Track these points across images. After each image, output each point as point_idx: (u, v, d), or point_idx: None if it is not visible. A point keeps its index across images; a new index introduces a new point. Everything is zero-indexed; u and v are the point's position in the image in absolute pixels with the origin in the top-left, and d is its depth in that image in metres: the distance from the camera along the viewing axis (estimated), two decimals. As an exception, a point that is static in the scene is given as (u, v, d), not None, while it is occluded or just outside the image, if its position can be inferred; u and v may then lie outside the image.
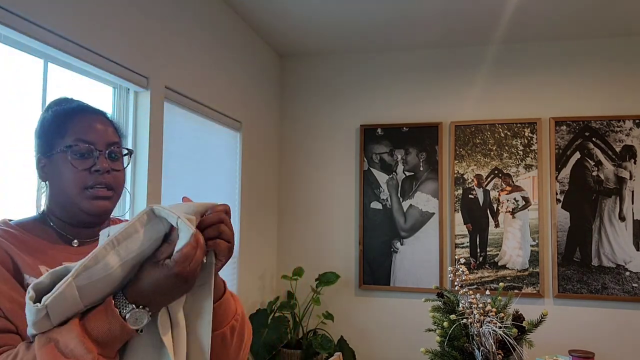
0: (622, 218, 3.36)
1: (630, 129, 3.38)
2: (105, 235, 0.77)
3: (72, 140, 0.96)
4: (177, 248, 0.77)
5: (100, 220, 1.01)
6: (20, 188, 1.71)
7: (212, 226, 0.82)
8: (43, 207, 1.02)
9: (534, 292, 3.42)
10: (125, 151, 1.05)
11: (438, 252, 3.57)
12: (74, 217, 0.98)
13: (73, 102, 1.04)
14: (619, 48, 3.46)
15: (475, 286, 3.49)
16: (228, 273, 3.11)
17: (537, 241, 3.45)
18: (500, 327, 1.83)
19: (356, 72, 3.85)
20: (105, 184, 0.97)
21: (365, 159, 3.74)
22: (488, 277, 3.49)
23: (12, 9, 1.61)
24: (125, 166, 1.04)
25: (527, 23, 3.25)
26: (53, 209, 0.99)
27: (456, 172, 3.59)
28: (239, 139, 3.27)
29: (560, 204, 3.44)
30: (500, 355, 1.82)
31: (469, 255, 3.53)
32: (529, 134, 3.51)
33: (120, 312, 0.75)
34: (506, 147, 3.54)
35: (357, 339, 3.68)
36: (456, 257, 3.53)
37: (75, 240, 1.00)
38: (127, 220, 1.02)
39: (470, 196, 3.57)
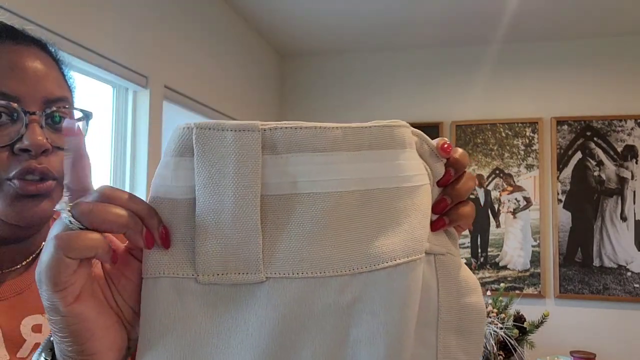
0: (623, 218, 3.35)
1: (632, 129, 3.37)
2: None
3: None
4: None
5: (34, 232, 0.58)
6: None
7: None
8: None
9: (535, 292, 3.40)
10: (80, 114, 0.62)
11: (439, 253, 3.56)
12: None
13: None
14: (620, 48, 3.45)
15: (476, 287, 3.48)
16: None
17: (538, 241, 3.43)
18: (501, 328, 1.82)
19: (356, 72, 3.84)
20: (41, 172, 0.54)
21: (365, 159, 3.73)
22: (489, 277, 3.48)
23: (11, 9, 1.60)
24: None
25: (527, 23, 3.24)
26: None
27: (457, 172, 3.58)
28: (239, 139, 3.27)
29: (562, 204, 3.43)
30: (501, 356, 1.81)
31: (470, 256, 3.52)
32: (530, 134, 3.50)
33: None
34: (507, 147, 3.52)
35: (357, 339, 3.67)
36: (457, 257, 3.52)
37: None
38: None
39: (471, 196, 3.56)
